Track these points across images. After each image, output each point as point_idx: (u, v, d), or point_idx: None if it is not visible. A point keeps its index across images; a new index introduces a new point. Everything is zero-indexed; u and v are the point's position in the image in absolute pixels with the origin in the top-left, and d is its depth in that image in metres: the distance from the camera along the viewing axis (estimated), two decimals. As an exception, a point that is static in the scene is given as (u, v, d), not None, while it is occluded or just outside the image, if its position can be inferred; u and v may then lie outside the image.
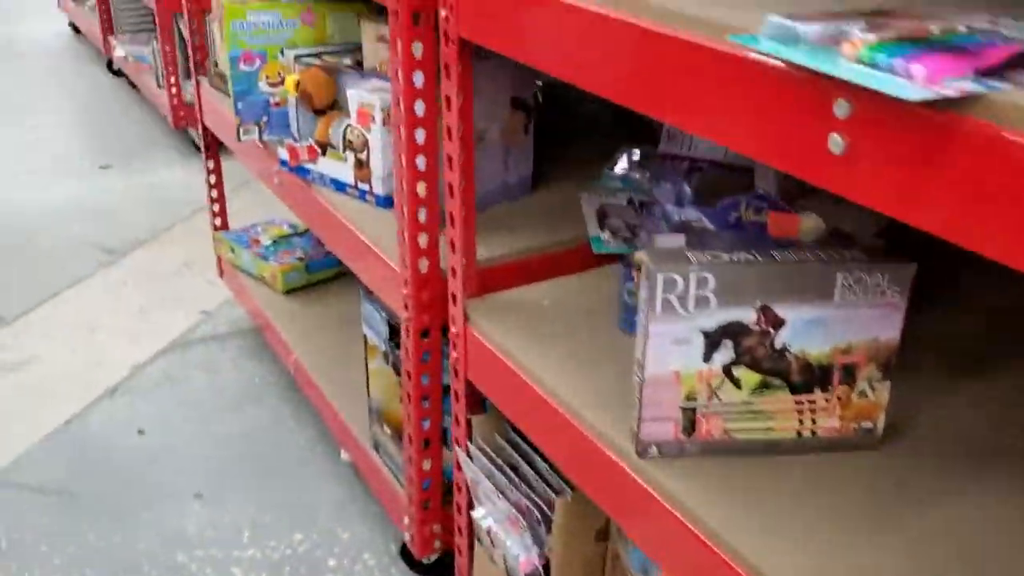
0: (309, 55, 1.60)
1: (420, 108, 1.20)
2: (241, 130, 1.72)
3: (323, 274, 2.14)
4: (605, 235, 1.36)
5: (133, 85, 4.11)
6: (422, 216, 1.26)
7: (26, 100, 4.13)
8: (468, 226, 1.18)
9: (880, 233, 1.08)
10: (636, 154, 1.66)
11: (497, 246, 1.34)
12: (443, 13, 1.07)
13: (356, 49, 1.65)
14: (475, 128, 1.18)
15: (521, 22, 0.93)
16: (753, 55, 0.65)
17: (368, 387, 1.56)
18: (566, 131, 1.79)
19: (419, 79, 1.18)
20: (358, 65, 1.61)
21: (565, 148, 1.73)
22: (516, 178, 1.53)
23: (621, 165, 1.64)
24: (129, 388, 2.12)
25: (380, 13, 1.64)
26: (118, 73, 4.34)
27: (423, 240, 1.27)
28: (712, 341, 0.88)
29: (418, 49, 1.16)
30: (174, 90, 3.33)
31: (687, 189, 1.09)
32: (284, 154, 1.59)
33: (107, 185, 3.24)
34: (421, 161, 1.23)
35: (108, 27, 4.23)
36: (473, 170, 1.16)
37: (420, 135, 1.21)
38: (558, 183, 1.60)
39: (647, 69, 0.77)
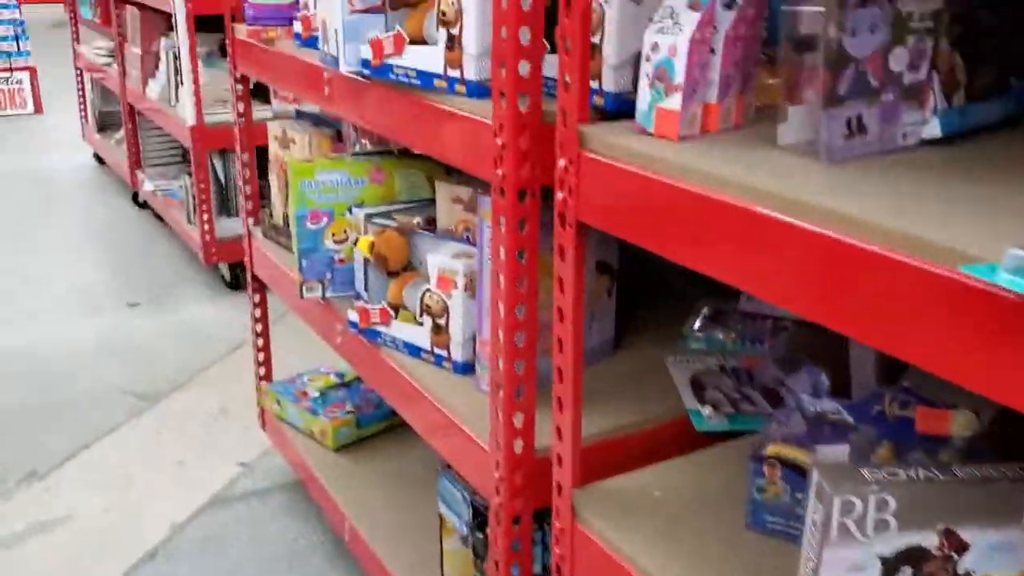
0: (380, 214, 1.56)
1: (523, 284, 1.14)
2: (304, 287, 1.67)
3: (374, 428, 2.06)
4: (707, 411, 1.28)
5: (159, 218, 4.09)
6: (519, 395, 1.19)
7: (50, 233, 4.10)
8: (577, 410, 1.11)
9: (998, 415, 1.01)
10: (715, 311, 1.60)
11: (592, 423, 1.26)
12: (560, 196, 1.02)
13: (427, 205, 1.61)
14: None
15: (680, 220, 0.87)
16: (991, 288, 0.59)
17: (442, 568, 1.46)
18: (637, 285, 1.73)
19: (522, 256, 1.12)
20: (429, 223, 1.56)
21: (637, 302, 1.67)
22: (599, 342, 1.47)
23: (700, 323, 1.58)
24: (169, 551, 2.01)
25: (450, 173, 1.61)
26: (144, 206, 4.34)
27: (518, 420, 1.20)
28: (890, 567, 0.79)
29: (523, 227, 1.11)
30: (207, 226, 3.30)
31: (824, 379, 1.02)
32: (354, 316, 1.53)
33: (136, 323, 3.17)
34: (520, 337, 1.16)
35: (136, 161, 4.24)
36: (583, 351, 1.09)
37: (521, 311, 1.15)
38: (638, 343, 1.54)
39: (863, 292, 0.69)
